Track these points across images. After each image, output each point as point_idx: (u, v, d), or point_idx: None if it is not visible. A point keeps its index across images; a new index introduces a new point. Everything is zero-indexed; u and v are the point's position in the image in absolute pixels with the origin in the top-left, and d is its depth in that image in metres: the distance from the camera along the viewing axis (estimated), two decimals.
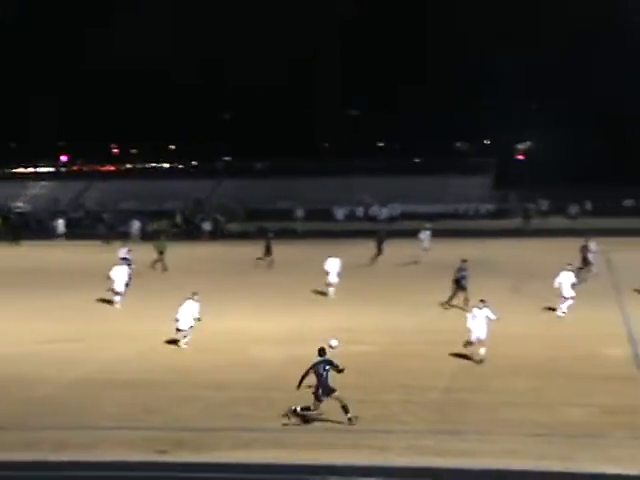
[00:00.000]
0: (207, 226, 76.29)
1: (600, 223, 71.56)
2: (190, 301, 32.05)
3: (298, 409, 23.11)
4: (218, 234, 75.16)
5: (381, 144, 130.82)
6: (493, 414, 23.51)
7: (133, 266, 45.60)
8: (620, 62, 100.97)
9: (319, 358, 23.08)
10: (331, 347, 23.86)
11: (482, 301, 29.42)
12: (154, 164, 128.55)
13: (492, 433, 21.95)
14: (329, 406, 23.86)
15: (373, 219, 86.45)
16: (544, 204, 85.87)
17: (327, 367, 22.84)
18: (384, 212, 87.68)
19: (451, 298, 38.61)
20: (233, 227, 78.97)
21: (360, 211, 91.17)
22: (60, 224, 78.60)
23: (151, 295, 43.64)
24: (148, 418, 23.70)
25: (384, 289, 44.71)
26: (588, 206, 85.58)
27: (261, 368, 28.89)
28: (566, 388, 25.91)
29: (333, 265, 42.79)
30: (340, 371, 23.12)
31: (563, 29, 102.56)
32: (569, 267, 38.09)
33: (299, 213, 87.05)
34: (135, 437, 22.08)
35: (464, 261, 39.44)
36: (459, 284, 38.45)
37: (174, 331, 32.13)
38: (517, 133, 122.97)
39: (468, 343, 29.07)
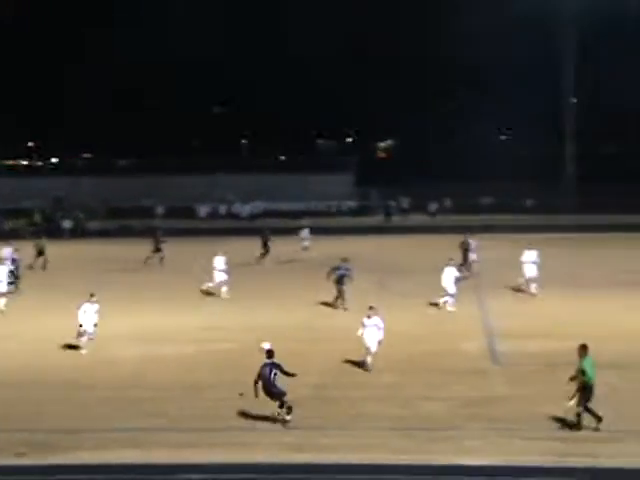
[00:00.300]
0: (67, 224, 75.06)
1: (459, 220, 73.17)
2: (88, 304, 31.35)
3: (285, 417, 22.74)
4: (79, 232, 74.05)
5: (244, 142, 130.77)
6: (355, 409, 23.83)
7: (16, 265, 44.02)
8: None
9: (266, 360, 22.96)
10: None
11: (371, 308, 28.18)
12: (11, 162, 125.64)
13: (353, 428, 22.26)
14: (194, 405, 23.87)
15: (236, 216, 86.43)
16: (405, 201, 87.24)
17: (274, 370, 22.74)
18: (246, 209, 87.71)
19: (337, 298, 38.26)
20: (94, 225, 77.87)
21: (223, 209, 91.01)
22: None
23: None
24: (5, 420, 23.22)
25: (263, 288, 44.66)
26: (448, 203, 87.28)
27: (124, 367, 28.63)
28: (425, 383, 26.45)
29: (220, 263, 42.13)
30: (290, 375, 23.05)
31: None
32: (452, 262, 38.82)
33: (159, 210, 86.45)
34: None
35: (344, 260, 38.98)
36: (340, 283, 38.02)
37: (62, 334, 31.68)
38: (379, 132, 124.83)
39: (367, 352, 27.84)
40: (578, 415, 21.71)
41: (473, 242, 48.07)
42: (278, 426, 22.33)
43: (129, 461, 20.12)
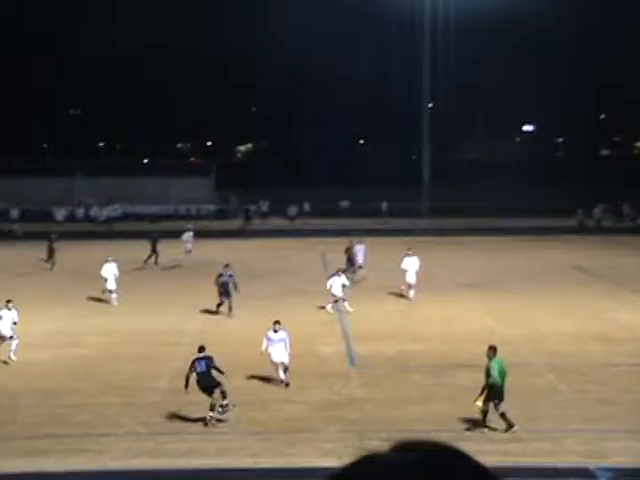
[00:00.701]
0: None
1: (318, 224, 73.84)
2: (5, 310, 30.30)
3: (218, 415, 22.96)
4: None
5: (102, 144, 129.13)
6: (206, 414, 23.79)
7: None
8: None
9: (198, 354, 23.69)
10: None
11: (276, 322, 27.04)
12: None
13: (211, 432, 22.25)
14: (50, 413, 23.48)
15: (94, 220, 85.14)
16: (264, 205, 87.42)
17: (209, 363, 23.53)
18: (104, 213, 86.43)
19: (219, 305, 37.57)
20: None
21: (80, 212, 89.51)
22: None
23: None
24: None
25: (144, 292, 44.14)
26: (307, 207, 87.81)
27: None
28: (281, 386, 26.54)
29: (109, 270, 40.80)
30: (220, 372, 23.69)
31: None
32: (339, 272, 39.00)
33: (14, 214, 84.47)
34: None
35: (226, 266, 38.35)
36: (224, 289, 37.26)
37: None
38: (238, 135, 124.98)
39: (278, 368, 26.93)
40: (502, 415, 22.10)
41: (359, 246, 47.66)
42: (135, 431, 22.15)
43: None
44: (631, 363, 29.16)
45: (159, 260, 51.71)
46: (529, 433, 22.11)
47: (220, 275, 37.75)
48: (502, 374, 22.39)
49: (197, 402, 24.65)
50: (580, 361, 29.38)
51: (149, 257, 52.09)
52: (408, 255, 42.02)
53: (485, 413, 22.27)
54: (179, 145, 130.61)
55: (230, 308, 37.19)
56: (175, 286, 45.14)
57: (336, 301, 38.12)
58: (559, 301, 40.20)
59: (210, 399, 23.11)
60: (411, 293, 41.18)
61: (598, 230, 71.64)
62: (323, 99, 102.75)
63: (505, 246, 61.04)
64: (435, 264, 48.41)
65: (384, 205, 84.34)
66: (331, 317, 37.41)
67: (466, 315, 37.23)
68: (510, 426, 22.03)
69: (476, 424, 22.35)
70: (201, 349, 23.99)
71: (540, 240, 63.94)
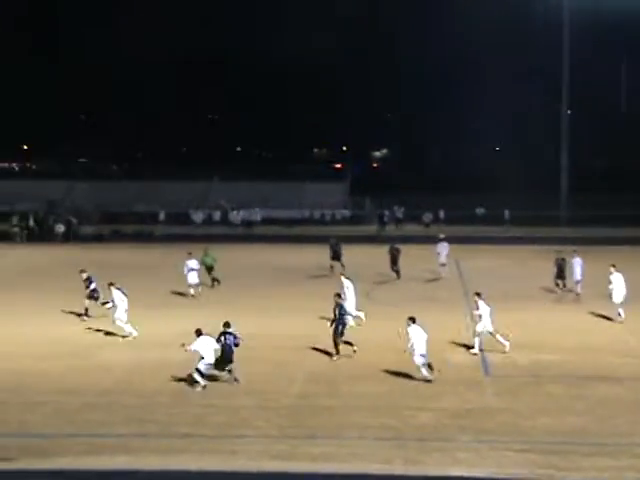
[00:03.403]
0: (60, 228, 74.92)
1: (452, 231, 73.22)
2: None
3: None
4: (71, 236, 73.93)
5: (239, 149, 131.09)
6: (344, 418, 23.80)
7: None
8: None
9: (226, 329, 26.81)
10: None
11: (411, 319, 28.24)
12: (6, 164, 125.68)
13: (342, 437, 22.25)
14: (184, 413, 23.88)
15: (230, 224, 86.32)
16: (399, 211, 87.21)
17: (233, 339, 26.74)
18: (240, 216, 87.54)
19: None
20: (87, 229, 77.76)
21: (217, 215, 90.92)
22: None
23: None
24: None
25: (263, 295, 44.35)
26: (442, 214, 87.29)
27: (111, 373, 28.56)
28: (415, 392, 26.42)
29: (193, 264, 42.50)
30: (236, 345, 26.76)
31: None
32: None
33: (161, 216, 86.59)
34: None
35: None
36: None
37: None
38: (374, 140, 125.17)
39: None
40: None
41: (577, 259, 43.37)
42: (269, 434, 22.33)
43: (119, 467, 20.08)
44: None
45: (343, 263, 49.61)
46: None
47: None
48: None
49: (330, 407, 24.75)
50: None
51: (332, 264, 49.76)
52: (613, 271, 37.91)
53: None
54: (315, 150, 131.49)
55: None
56: (315, 290, 45.27)
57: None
58: None
59: (220, 372, 26.63)
60: (620, 312, 37.18)
61: None
62: (459, 106, 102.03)
63: None
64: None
65: (506, 213, 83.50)
66: (465, 324, 36.99)
67: (604, 326, 36.40)
68: None
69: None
70: (227, 325, 26.92)
71: None
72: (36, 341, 33.25)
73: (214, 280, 45.45)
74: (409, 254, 57.88)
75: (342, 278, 37.25)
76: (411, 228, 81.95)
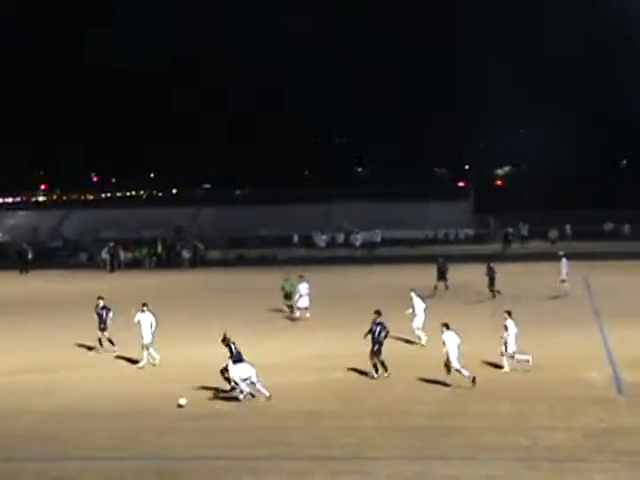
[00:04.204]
0: (186, 254, 76.26)
1: (580, 247, 71.96)
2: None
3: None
4: (197, 262, 75.14)
5: (359, 170, 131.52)
6: (476, 439, 23.49)
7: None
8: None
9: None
10: (180, 406, 27.03)
11: None
12: (133, 192, 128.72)
13: (476, 458, 21.96)
14: (314, 435, 23.94)
15: (352, 245, 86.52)
16: (524, 228, 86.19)
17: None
18: (360, 238, 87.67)
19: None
20: (213, 255, 78.95)
21: (341, 237, 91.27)
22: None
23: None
24: (131, 448, 23.59)
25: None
26: (568, 230, 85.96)
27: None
28: (547, 412, 25.96)
29: (304, 288, 43.35)
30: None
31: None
32: None
33: (295, 239, 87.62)
34: (118, 467, 21.98)
35: None
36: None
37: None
38: (496, 158, 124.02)
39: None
40: None
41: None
42: (401, 455, 22.19)
43: None
44: None
45: (448, 284, 51.01)
46: None
47: None
48: None
49: (461, 427, 24.49)
50: None
51: (437, 284, 50.61)
52: None
53: None
54: (436, 169, 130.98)
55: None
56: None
57: None
58: None
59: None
60: None
61: None
62: (583, 121, 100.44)
63: None
64: None
65: (626, 227, 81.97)
66: (596, 342, 36.27)
67: None
68: None
69: None
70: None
71: None
72: (169, 363, 33.85)
73: (290, 307, 44.81)
74: (534, 272, 57.24)
75: (412, 294, 37.75)
76: (537, 245, 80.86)
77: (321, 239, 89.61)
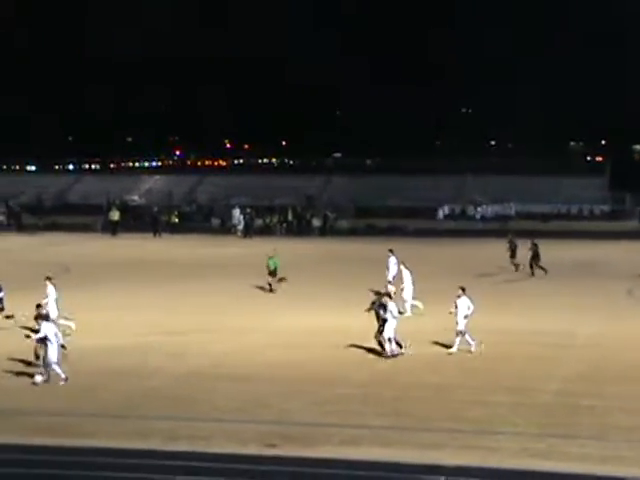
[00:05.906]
0: (317, 222, 76.64)
1: None
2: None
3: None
4: (327, 231, 75.44)
5: (493, 143, 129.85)
6: (606, 419, 23.01)
7: None
8: None
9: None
10: None
11: None
12: (265, 160, 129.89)
13: (604, 439, 21.48)
14: (441, 408, 23.84)
15: (483, 219, 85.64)
16: None
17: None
18: (490, 211, 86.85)
19: None
20: (342, 224, 79.11)
21: (471, 210, 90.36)
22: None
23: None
24: (257, 412, 23.85)
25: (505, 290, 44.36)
26: None
27: (364, 367, 28.87)
28: None
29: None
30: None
31: None
32: None
33: (441, 213, 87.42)
34: (245, 430, 22.24)
35: None
36: None
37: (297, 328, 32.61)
38: (635, 133, 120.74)
39: None
40: None
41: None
42: (527, 432, 21.89)
43: (375, 458, 20.22)
44: None
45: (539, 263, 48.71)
46: None
47: None
48: None
49: (592, 406, 24.02)
50: None
51: (514, 261, 49.60)
52: None
53: None
54: (572, 143, 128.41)
55: None
56: (560, 287, 44.38)
57: None
58: None
59: None
60: None
61: None
62: None
63: None
64: None
65: None
66: None
67: None
68: None
69: None
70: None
71: None
72: (290, 331, 34.12)
73: (270, 285, 43.51)
74: None
75: (401, 266, 38.57)
76: None
77: (443, 211, 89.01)
